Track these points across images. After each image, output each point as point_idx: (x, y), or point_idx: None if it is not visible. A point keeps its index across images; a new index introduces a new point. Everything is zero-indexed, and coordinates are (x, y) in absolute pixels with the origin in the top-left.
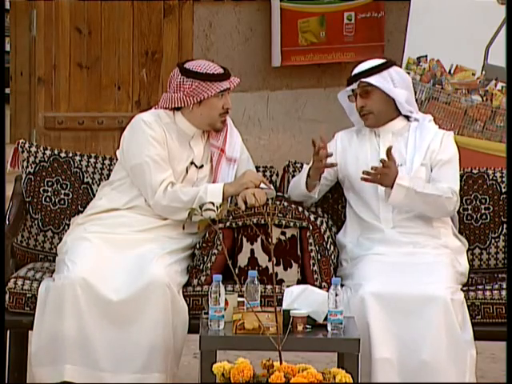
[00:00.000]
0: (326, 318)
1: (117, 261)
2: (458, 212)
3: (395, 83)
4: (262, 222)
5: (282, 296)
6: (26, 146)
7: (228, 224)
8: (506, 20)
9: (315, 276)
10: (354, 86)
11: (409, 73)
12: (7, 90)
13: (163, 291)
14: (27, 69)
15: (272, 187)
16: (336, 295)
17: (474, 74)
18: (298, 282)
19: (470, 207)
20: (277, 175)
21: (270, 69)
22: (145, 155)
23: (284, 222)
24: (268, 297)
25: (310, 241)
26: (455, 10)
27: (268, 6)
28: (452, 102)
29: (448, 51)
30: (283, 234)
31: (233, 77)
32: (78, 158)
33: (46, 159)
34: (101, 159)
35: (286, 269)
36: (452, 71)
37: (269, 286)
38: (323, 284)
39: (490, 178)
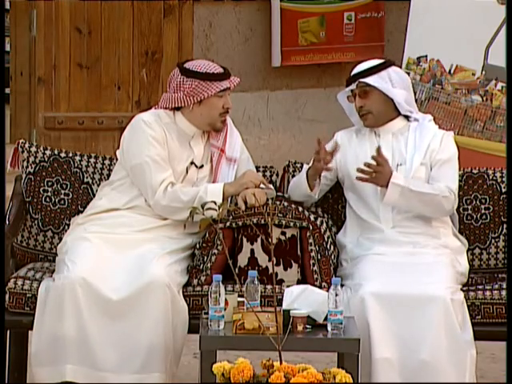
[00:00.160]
0: (326, 318)
1: (117, 261)
2: (458, 212)
3: (394, 83)
4: (262, 222)
5: (282, 296)
6: (26, 146)
7: (228, 224)
8: (506, 20)
9: (315, 276)
10: (353, 86)
11: (409, 73)
12: (7, 90)
13: (163, 291)
14: (27, 69)
15: (272, 187)
16: (336, 295)
17: (474, 74)
18: (298, 282)
19: (470, 207)
20: (277, 175)
21: (270, 69)
22: (145, 155)
23: (284, 222)
24: (268, 297)
25: (310, 241)
26: (455, 9)
27: (268, 6)
28: (452, 101)
29: (448, 51)
30: (283, 234)
31: (233, 76)
32: (78, 158)
33: (46, 159)
34: (101, 159)
35: (286, 269)
36: (452, 71)
37: (269, 286)
38: (323, 284)
39: (490, 178)
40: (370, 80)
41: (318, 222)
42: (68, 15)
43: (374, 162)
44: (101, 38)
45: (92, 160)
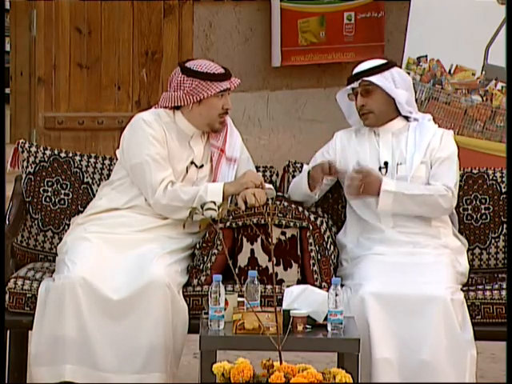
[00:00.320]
0: (326, 318)
1: (117, 261)
2: (458, 212)
3: (396, 84)
4: (262, 222)
5: (282, 296)
6: (26, 146)
7: (228, 224)
8: (506, 20)
9: (315, 276)
10: (355, 84)
11: (409, 73)
12: (7, 90)
13: (163, 291)
14: (27, 69)
15: (272, 187)
16: (336, 295)
17: (473, 74)
18: (298, 282)
19: (470, 207)
20: (277, 175)
21: (270, 69)
22: (145, 154)
23: (284, 222)
24: (268, 297)
25: (310, 241)
26: (455, 10)
27: (268, 6)
28: (452, 101)
29: (448, 51)
30: (283, 234)
31: (233, 77)
32: (78, 158)
33: (46, 159)
34: (101, 159)
35: (286, 269)
36: (452, 71)
37: (269, 286)
38: (323, 284)
39: (490, 178)
40: (373, 79)
41: (318, 222)
42: (68, 15)
43: (357, 175)
44: (101, 38)
45: (92, 160)
